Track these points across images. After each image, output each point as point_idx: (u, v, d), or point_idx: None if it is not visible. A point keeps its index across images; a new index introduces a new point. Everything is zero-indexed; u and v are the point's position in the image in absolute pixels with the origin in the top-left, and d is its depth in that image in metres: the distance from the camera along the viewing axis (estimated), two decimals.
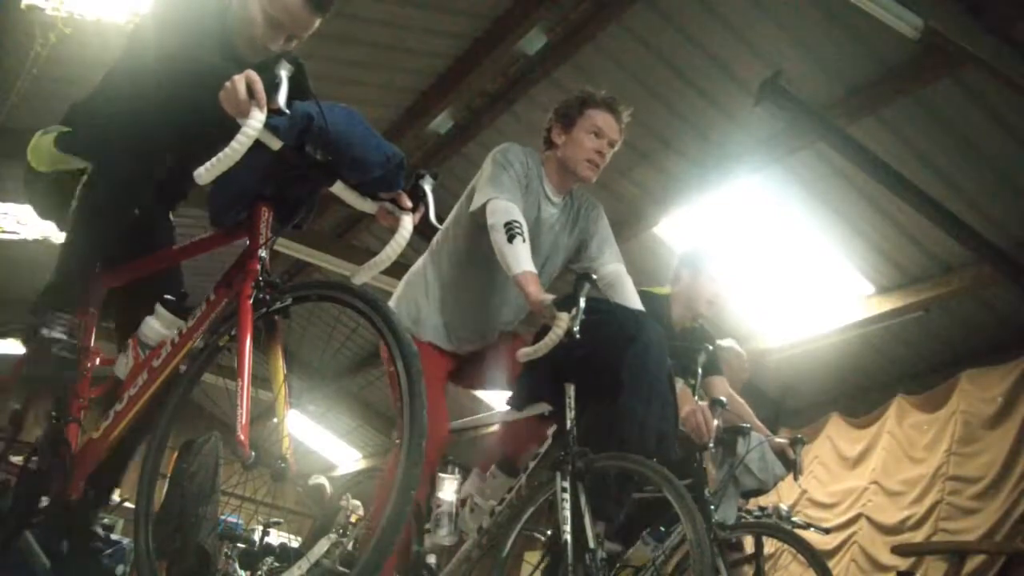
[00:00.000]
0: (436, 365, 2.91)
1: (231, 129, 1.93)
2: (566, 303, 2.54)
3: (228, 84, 1.92)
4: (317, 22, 2.30)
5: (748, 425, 3.63)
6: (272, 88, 1.95)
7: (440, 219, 2.53)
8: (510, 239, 2.70)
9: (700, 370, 3.51)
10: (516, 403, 2.93)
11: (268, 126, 1.95)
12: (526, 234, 2.73)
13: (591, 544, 2.51)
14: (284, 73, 1.98)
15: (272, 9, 2.24)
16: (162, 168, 2.37)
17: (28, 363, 2.35)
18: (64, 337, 2.27)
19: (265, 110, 1.93)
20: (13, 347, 2.77)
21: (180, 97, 2.11)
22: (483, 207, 2.83)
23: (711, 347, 3.62)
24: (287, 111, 1.98)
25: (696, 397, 3.40)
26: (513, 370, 2.92)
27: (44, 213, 2.55)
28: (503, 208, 2.79)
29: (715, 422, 3.32)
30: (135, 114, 2.24)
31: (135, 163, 2.30)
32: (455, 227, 3.05)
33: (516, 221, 2.74)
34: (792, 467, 3.65)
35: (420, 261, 3.14)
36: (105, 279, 2.47)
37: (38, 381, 2.42)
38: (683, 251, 4.10)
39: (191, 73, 2.05)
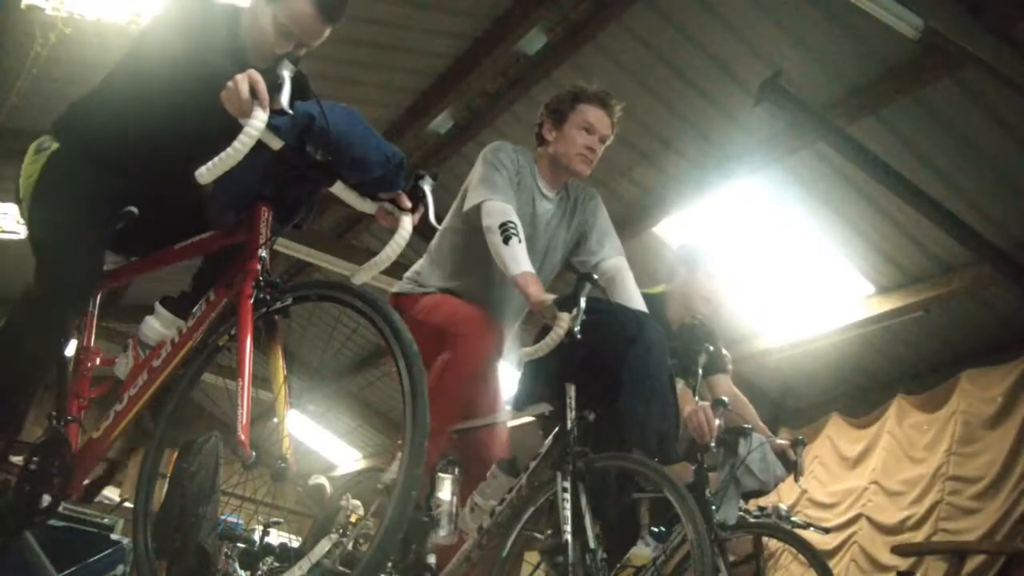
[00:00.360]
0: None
1: (233, 129, 1.93)
2: (567, 303, 2.54)
3: (230, 84, 1.93)
4: (328, 31, 2.31)
5: (749, 426, 3.62)
6: (274, 88, 1.95)
7: (439, 219, 2.53)
8: (506, 240, 2.69)
9: (700, 370, 3.50)
10: (517, 403, 2.93)
11: (269, 126, 1.95)
12: (522, 234, 2.73)
13: (591, 544, 2.51)
14: (286, 73, 1.98)
15: (284, 18, 2.24)
16: (163, 168, 2.37)
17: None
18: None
19: (268, 110, 1.93)
20: None
21: (184, 97, 2.11)
22: (477, 208, 2.83)
23: (711, 347, 3.61)
24: (289, 111, 1.98)
25: (697, 397, 3.39)
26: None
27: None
28: (498, 209, 2.79)
29: (717, 422, 3.31)
30: (136, 115, 2.24)
31: (135, 163, 2.31)
32: (451, 229, 3.05)
33: (511, 222, 2.74)
34: (793, 468, 3.65)
35: (419, 263, 3.14)
36: (105, 280, 2.47)
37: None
38: (679, 248, 4.07)
39: (197, 75, 2.05)
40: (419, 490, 2.01)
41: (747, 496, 3.74)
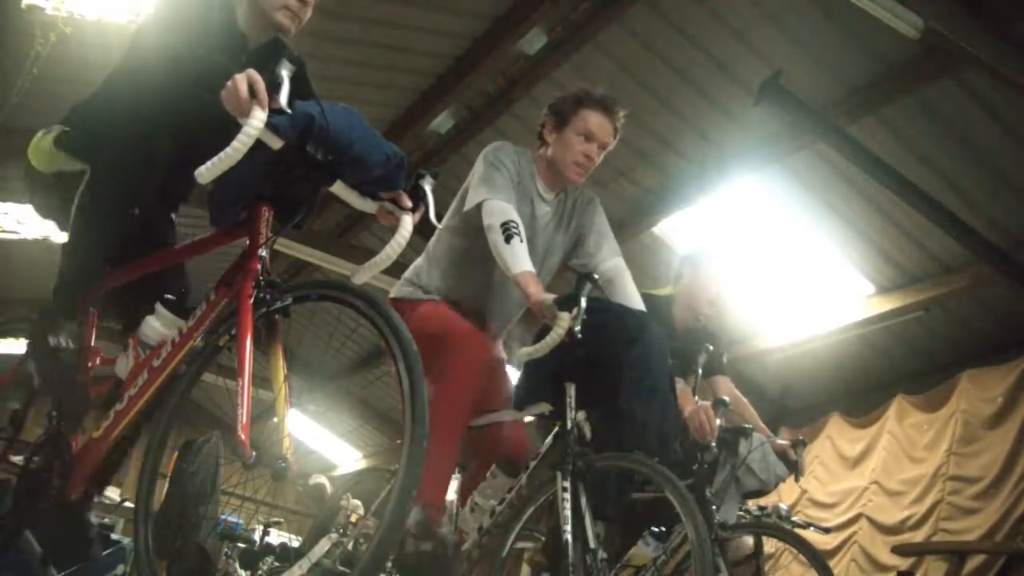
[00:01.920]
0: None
1: (232, 128, 1.92)
2: (567, 303, 2.54)
3: (229, 83, 1.92)
4: None
5: (750, 426, 3.63)
6: (273, 87, 1.95)
7: (440, 219, 2.52)
8: (507, 239, 2.69)
9: (700, 370, 3.51)
10: (517, 403, 2.93)
11: (269, 125, 1.95)
12: (523, 234, 2.73)
13: (591, 544, 2.51)
14: (286, 73, 1.98)
15: None
16: (163, 168, 2.37)
17: (34, 372, 2.34)
18: (70, 345, 2.27)
19: (267, 109, 1.93)
20: (13, 347, 2.77)
21: (183, 96, 2.11)
22: (478, 207, 2.83)
23: (711, 347, 3.61)
24: (288, 110, 1.98)
25: (697, 397, 3.39)
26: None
27: (45, 213, 2.54)
28: (499, 208, 2.78)
29: (717, 421, 3.32)
30: (137, 114, 2.24)
31: (135, 163, 2.30)
32: (451, 228, 3.05)
33: (513, 221, 2.74)
34: (794, 468, 3.65)
35: (418, 261, 3.14)
36: (105, 279, 2.47)
37: (43, 390, 2.42)
38: (686, 251, 4.10)
39: (195, 72, 2.05)
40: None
41: (748, 496, 3.75)
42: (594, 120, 2.98)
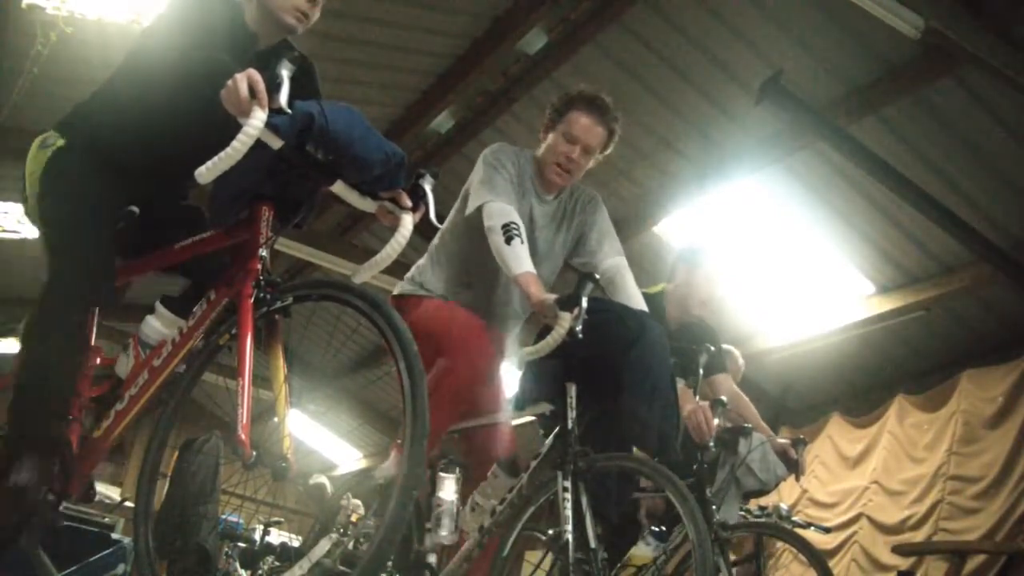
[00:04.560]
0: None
1: (233, 128, 1.92)
2: (568, 303, 2.54)
3: (229, 83, 1.92)
4: None
5: (750, 425, 3.63)
6: (274, 87, 1.95)
7: (440, 218, 2.52)
8: (508, 240, 2.69)
9: (701, 370, 3.50)
10: (518, 403, 2.93)
11: (269, 125, 1.95)
12: (524, 235, 2.73)
13: (592, 544, 2.51)
14: (286, 72, 1.98)
15: None
16: (163, 168, 2.37)
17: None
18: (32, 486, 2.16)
19: (267, 109, 1.93)
20: (13, 347, 2.77)
21: (184, 96, 2.11)
22: (478, 210, 2.83)
23: (712, 347, 3.61)
24: (288, 110, 1.97)
25: (697, 397, 3.39)
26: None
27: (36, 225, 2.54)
28: (500, 210, 2.78)
29: (716, 421, 3.32)
30: (138, 114, 2.24)
31: (135, 164, 2.30)
32: (452, 230, 3.05)
33: (514, 223, 2.74)
34: (794, 467, 3.65)
35: (421, 261, 3.14)
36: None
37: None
38: (681, 248, 4.07)
39: (199, 73, 2.05)
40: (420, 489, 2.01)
41: (748, 496, 3.75)
42: (580, 122, 2.96)
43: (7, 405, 2.23)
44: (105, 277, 2.34)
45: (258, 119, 1.91)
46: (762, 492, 3.74)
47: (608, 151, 3.07)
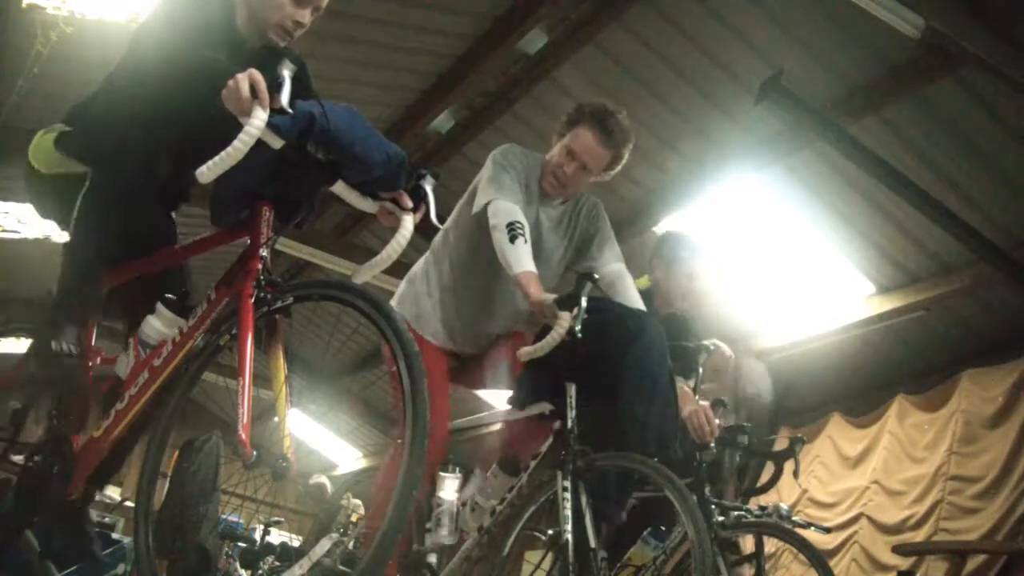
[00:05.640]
0: (437, 361, 2.91)
1: (233, 128, 1.92)
2: (568, 302, 2.54)
3: (231, 83, 1.92)
4: None
5: (749, 425, 3.63)
6: (275, 87, 1.95)
7: (441, 219, 2.52)
8: (512, 239, 2.70)
9: (701, 369, 3.50)
10: (517, 402, 2.93)
11: (270, 125, 1.95)
12: (528, 235, 2.73)
13: (592, 543, 2.51)
14: (287, 72, 1.98)
15: None
16: (164, 168, 2.37)
17: (36, 375, 2.34)
18: (72, 350, 2.27)
19: (268, 109, 1.93)
20: (13, 347, 2.77)
21: (184, 96, 2.11)
22: (484, 208, 2.83)
23: (712, 348, 3.61)
24: (290, 110, 1.98)
25: (697, 397, 3.39)
26: (514, 369, 2.92)
27: (44, 213, 2.55)
28: (505, 209, 2.78)
29: (717, 421, 3.32)
30: (137, 114, 2.25)
31: (136, 164, 2.31)
32: (456, 228, 3.05)
33: (518, 222, 2.74)
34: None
35: (422, 261, 3.14)
36: (106, 278, 2.47)
37: (45, 393, 2.42)
38: (657, 240, 3.94)
39: (196, 73, 2.05)
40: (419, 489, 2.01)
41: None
42: (584, 141, 2.95)
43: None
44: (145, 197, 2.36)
45: (259, 119, 1.92)
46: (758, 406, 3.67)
47: (614, 171, 3.05)
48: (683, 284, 3.62)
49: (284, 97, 1.96)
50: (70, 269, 2.35)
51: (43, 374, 2.29)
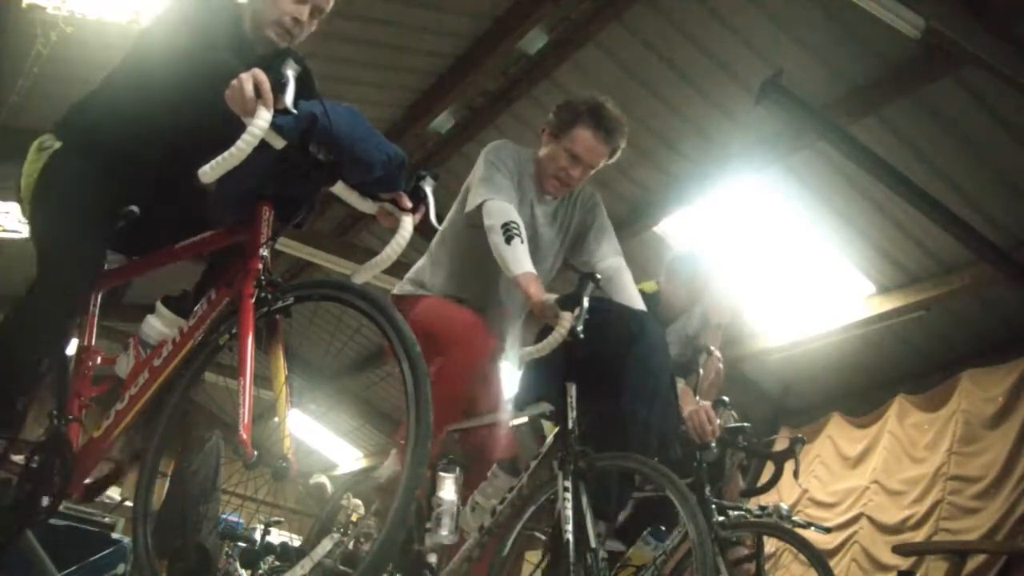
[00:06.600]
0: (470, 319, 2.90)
1: (236, 127, 1.92)
2: (569, 302, 2.54)
3: (234, 83, 1.92)
4: None
5: (748, 424, 3.62)
6: (278, 87, 1.95)
7: (440, 220, 2.53)
8: (508, 240, 2.69)
9: (701, 370, 3.50)
10: (518, 402, 2.93)
11: (273, 125, 1.95)
12: (524, 235, 2.72)
13: (592, 543, 2.51)
14: (291, 73, 1.98)
15: None
16: (163, 167, 2.37)
17: None
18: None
19: (272, 109, 1.93)
20: None
21: (188, 95, 2.11)
22: (478, 208, 2.82)
23: (712, 349, 3.61)
24: (294, 111, 1.98)
25: (698, 397, 3.39)
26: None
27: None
28: (500, 209, 2.78)
29: (718, 421, 3.32)
30: (139, 114, 2.25)
31: (135, 163, 2.31)
32: (452, 228, 3.04)
33: (514, 222, 2.73)
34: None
35: (420, 262, 3.14)
36: (102, 283, 2.47)
37: None
38: (674, 255, 4.04)
39: (201, 73, 2.05)
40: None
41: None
42: (585, 142, 2.94)
43: None
44: (90, 284, 2.35)
45: (263, 119, 1.92)
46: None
47: (610, 163, 3.07)
48: (684, 300, 3.71)
49: (288, 97, 1.96)
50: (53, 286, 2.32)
51: None
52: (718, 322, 3.76)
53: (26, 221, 2.46)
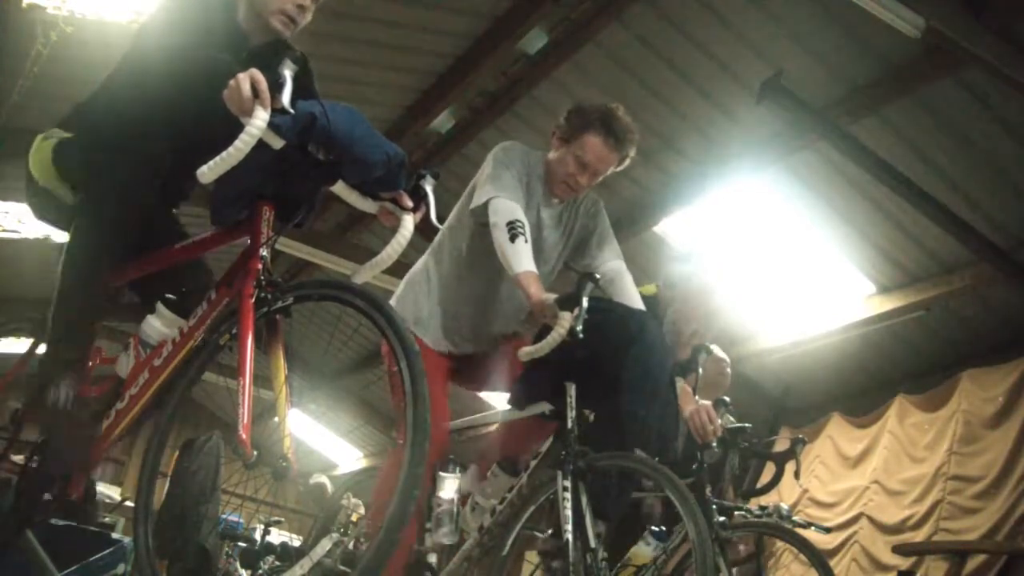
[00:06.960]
0: (437, 365, 2.90)
1: (234, 127, 1.92)
2: (569, 302, 2.54)
3: (232, 83, 1.92)
4: None
5: (748, 425, 3.62)
6: (276, 87, 1.95)
7: (441, 219, 2.52)
8: (512, 238, 2.69)
9: (700, 369, 3.50)
10: (517, 402, 2.93)
11: (271, 125, 1.95)
12: (528, 234, 2.72)
13: (592, 543, 2.51)
14: (288, 72, 1.98)
15: None
16: (164, 167, 2.37)
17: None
18: (68, 401, 2.25)
19: (269, 109, 1.93)
20: (13, 347, 2.77)
21: (186, 95, 2.11)
22: (484, 205, 2.82)
23: (712, 348, 3.60)
24: (291, 110, 1.97)
25: (697, 397, 3.39)
26: (513, 372, 2.92)
27: (41, 216, 2.54)
28: (505, 207, 2.78)
29: (719, 421, 3.32)
30: (139, 115, 2.24)
31: (136, 172, 2.30)
32: (456, 226, 3.04)
33: (518, 220, 2.73)
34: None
35: (421, 261, 3.14)
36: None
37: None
38: (676, 260, 4.04)
39: (198, 72, 2.05)
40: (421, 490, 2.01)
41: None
42: (595, 149, 2.94)
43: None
44: (149, 188, 2.33)
45: (261, 119, 1.92)
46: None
47: (618, 170, 3.07)
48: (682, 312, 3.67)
49: (285, 97, 1.96)
50: (72, 285, 2.32)
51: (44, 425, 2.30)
52: (693, 330, 3.72)
53: (37, 196, 2.42)
